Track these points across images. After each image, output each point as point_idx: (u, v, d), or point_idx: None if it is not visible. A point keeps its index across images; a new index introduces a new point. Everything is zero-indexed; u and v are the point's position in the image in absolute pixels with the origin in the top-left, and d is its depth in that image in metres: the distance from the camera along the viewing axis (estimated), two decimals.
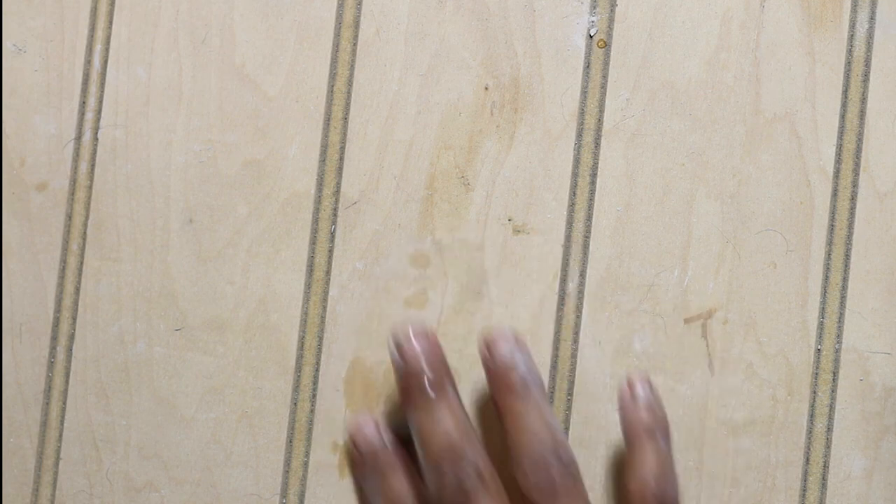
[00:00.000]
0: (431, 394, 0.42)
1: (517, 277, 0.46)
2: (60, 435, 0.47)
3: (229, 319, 0.47)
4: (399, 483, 0.43)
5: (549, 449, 0.41)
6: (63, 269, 0.48)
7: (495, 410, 0.43)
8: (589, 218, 0.46)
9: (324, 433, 0.47)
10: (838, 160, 0.46)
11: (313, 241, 0.47)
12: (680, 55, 0.46)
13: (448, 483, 0.41)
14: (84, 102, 0.48)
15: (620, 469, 0.45)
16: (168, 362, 0.47)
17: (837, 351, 0.46)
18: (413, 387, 0.42)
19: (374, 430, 0.44)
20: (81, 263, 0.47)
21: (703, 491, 0.46)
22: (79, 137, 0.48)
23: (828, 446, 0.46)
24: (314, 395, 0.47)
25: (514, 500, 0.41)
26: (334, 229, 0.47)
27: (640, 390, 0.44)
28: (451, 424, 0.42)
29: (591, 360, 0.46)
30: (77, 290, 0.47)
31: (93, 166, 0.48)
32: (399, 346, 0.43)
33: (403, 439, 0.44)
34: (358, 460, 0.45)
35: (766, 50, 0.46)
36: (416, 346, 0.43)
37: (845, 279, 0.46)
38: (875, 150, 0.46)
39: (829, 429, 0.46)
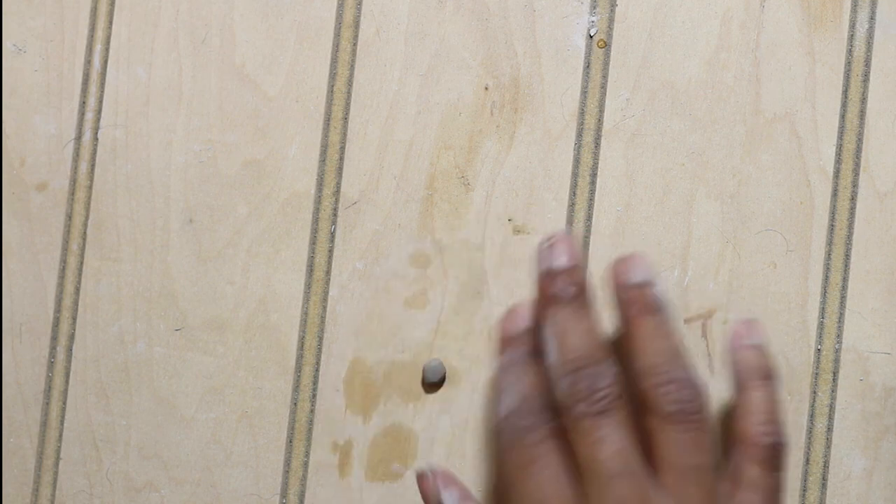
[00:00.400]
0: (574, 293, 0.40)
1: (517, 277, 0.46)
2: (60, 435, 0.47)
3: (229, 319, 0.47)
4: (538, 374, 0.41)
5: (681, 370, 0.40)
6: (63, 269, 0.48)
7: (623, 330, 0.41)
8: (589, 218, 0.46)
9: (324, 433, 0.47)
10: (838, 160, 0.46)
11: (313, 241, 0.47)
12: (680, 55, 0.46)
13: (583, 388, 0.39)
14: (84, 102, 0.48)
15: (728, 410, 0.44)
16: (168, 362, 0.47)
17: (837, 351, 0.46)
18: (555, 286, 0.41)
19: (527, 317, 0.43)
20: (81, 263, 0.47)
21: None
22: (79, 137, 0.48)
23: (828, 446, 0.46)
24: (314, 395, 0.47)
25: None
26: (334, 229, 0.47)
27: (754, 333, 0.43)
28: (592, 328, 0.40)
29: None
30: (77, 290, 0.47)
31: (93, 166, 0.48)
32: (545, 247, 0.42)
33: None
34: (504, 343, 0.43)
35: (766, 50, 0.46)
36: (562, 247, 0.41)
37: (845, 279, 0.46)
38: (875, 150, 0.46)
39: (829, 429, 0.46)
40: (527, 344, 0.42)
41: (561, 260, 0.41)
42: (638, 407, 0.40)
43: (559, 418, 0.40)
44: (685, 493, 0.38)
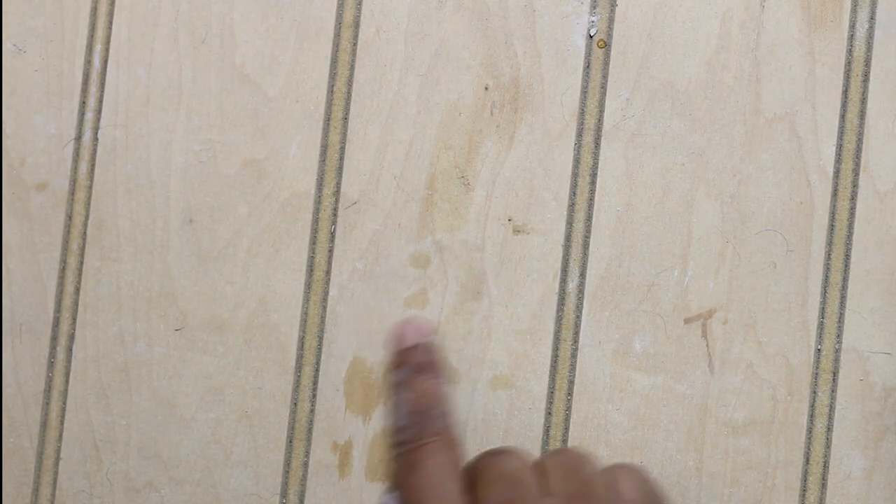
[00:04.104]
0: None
1: (517, 277, 0.46)
2: (60, 435, 0.47)
3: (229, 319, 0.47)
4: (429, 383, 0.45)
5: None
6: (63, 269, 0.48)
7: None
8: (589, 218, 0.46)
9: (324, 433, 0.47)
10: (838, 160, 0.46)
11: (313, 241, 0.47)
12: (680, 55, 0.46)
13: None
14: (84, 102, 0.48)
15: None
16: (168, 362, 0.47)
17: (837, 351, 0.46)
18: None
19: (417, 332, 0.46)
20: (81, 263, 0.47)
21: (703, 491, 0.46)
22: (79, 137, 0.48)
23: (828, 446, 0.46)
24: (314, 395, 0.47)
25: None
26: (334, 229, 0.47)
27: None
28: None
29: (591, 360, 0.46)
30: (77, 290, 0.47)
31: (93, 166, 0.48)
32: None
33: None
34: (395, 361, 0.46)
35: (766, 50, 0.46)
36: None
37: (845, 279, 0.46)
38: (875, 150, 0.46)
39: (829, 429, 0.46)
40: (416, 360, 0.44)
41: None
42: None
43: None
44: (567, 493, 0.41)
